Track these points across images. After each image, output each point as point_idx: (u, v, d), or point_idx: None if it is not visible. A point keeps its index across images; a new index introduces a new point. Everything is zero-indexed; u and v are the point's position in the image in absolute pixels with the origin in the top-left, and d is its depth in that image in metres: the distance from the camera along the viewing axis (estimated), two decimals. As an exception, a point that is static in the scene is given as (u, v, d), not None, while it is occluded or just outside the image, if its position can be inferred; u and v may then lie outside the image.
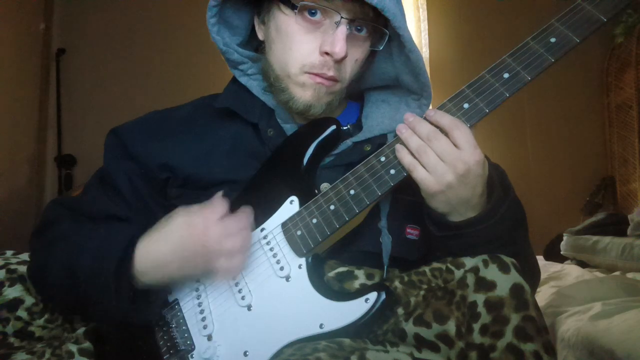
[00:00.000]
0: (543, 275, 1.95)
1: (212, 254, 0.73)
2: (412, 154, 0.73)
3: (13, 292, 0.94)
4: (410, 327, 0.70)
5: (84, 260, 0.79)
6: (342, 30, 0.80)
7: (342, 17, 0.80)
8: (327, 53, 0.81)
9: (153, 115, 0.99)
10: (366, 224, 0.84)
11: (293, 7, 0.82)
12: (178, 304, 0.82)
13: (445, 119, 0.73)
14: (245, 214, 0.76)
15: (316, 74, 0.83)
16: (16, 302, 0.93)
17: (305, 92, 0.85)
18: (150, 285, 0.78)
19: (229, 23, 0.93)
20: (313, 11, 0.82)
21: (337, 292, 0.76)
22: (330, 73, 0.83)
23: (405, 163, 0.74)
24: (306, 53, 0.83)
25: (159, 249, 0.76)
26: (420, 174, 0.72)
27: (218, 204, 0.75)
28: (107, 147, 0.95)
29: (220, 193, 0.78)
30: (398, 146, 0.75)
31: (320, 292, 0.74)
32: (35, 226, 0.94)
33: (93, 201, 0.92)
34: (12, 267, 0.97)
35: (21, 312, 0.92)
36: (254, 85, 0.94)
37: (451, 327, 0.67)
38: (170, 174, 0.90)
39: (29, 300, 0.93)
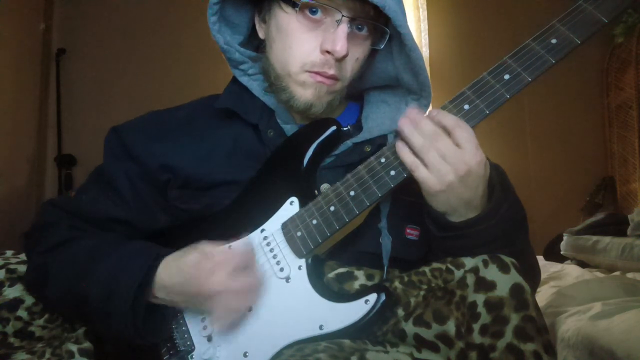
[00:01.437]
0: (543, 275, 1.95)
1: (213, 302, 0.73)
2: (414, 153, 0.73)
3: (13, 292, 0.94)
4: (410, 328, 0.70)
5: (94, 280, 0.78)
6: (343, 28, 0.80)
7: (343, 16, 0.80)
8: (328, 51, 0.81)
9: (153, 115, 0.98)
10: (366, 225, 0.84)
11: (294, 5, 0.82)
12: (178, 304, 0.82)
13: (448, 119, 0.72)
14: (257, 274, 0.75)
15: (317, 73, 0.83)
16: (16, 302, 0.93)
17: (305, 91, 0.85)
18: (161, 307, 0.79)
19: (229, 22, 0.93)
20: (314, 9, 0.82)
21: (337, 293, 0.76)
22: (331, 72, 0.83)
23: (407, 162, 0.73)
24: (307, 51, 0.83)
25: (170, 281, 0.76)
26: (422, 173, 0.72)
27: (240, 251, 0.75)
28: (107, 147, 0.94)
29: (246, 240, 0.77)
30: (399, 144, 0.75)
31: (320, 293, 0.74)
32: (30, 228, 0.92)
33: (93, 203, 0.91)
34: (12, 267, 0.96)
35: (21, 312, 0.92)
36: (255, 85, 0.94)
37: (451, 327, 0.67)
38: (171, 175, 0.90)
39: (29, 300, 0.93)
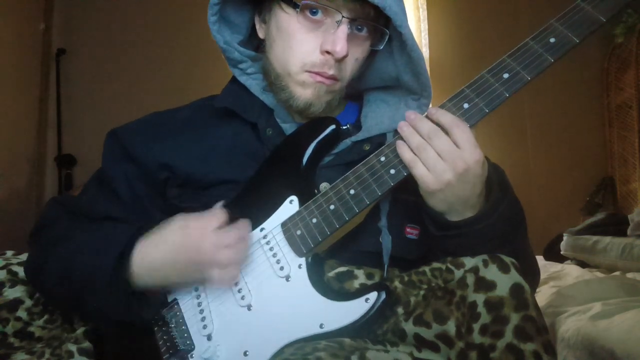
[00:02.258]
0: (543, 275, 1.95)
1: (205, 263, 0.74)
2: (413, 151, 0.73)
3: (13, 292, 0.94)
4: (410, 327, 0.70)
5: (81, 258, 0.79)
6: (343, 29, 0.81)
7: (343, 17, 0.81)
8: (328, 52, 0.81)
9: (153, 116, 0.99)
10: (366, 224, 0.84)
11: (294, 6, 0.83)
12: (177, 303, 0.82)
13: (446, 118, 0.73)
14: (244, 225, 0.76)
15: (317, 73, 0.83)
16: (16, 303, 0.93)
17: (305, 91, 0.85)
18: (146, 288, 0.78)
19: (229, 21, 0.93)
20: (314, 10, 0.82)
21: (337, 291, 0.76)
22: (331, 72, 0.83)
23: (405, 160, 0.74)
24: (307, 52, 0.83)
25: (153, 253, 0.76)
26: (419, 171, 0.72)
27: (217, 212, 0.76)
28: (106, 148, 0.95)
29: (220, 203, 0.78)
30: (399, 143, 0.75)
31: (320, 291, 0.74)
32: (34, 224, 0.94)
33: (91, 202, 0.92)
34: (14, 268, 0.97)
35: (21, 313, 0.92)
36: (254, 84, 0.94)
37: (451, 327, 0.67)
38: (170, 174, 0.90)
39: (29, 301, 0.93)
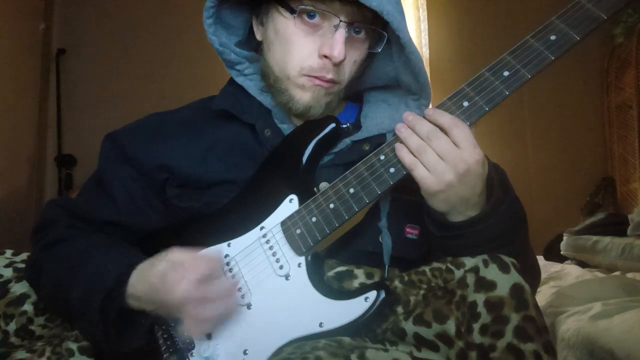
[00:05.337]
0: (543, 275, 1.95)
1: (178, 311, 0.72)
2: (413, 153, 0.73)
3: (20, 288, 0.95)
4: (410, 327, 0.70)
5: (75, 283, 0.79)
6: (341, 33, 0.80)
7: (340, 21, 0.80)
8: (326, 56, 0.81)
9: (152, 117, 0.99)
10: (366, 223, 0.84)
11: (292, 11, 0.82)
12: (177, 303, 0.82)
13: (444, 118, 0.72)
14: (231, 282, 0.75)
15: (315, 77, 0.83)
16: (23, 297, 0.94)
17: (304, 94, 0.85)
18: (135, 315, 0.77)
19: (226, 23, 0.93)
20: (312, 14, 0.82)
21: (337, 290, 0.76)
22: (329, 76, 0.83)
23: (405, 162, 0.73)
24: (305, 56, 0.83)
25: (139, 290, 0.75)
26: (420, 173, 0.72)
27: (211, 259, 0.75)
28: (102, 152, 0.95)
29: (215, 248, 0.77)
30: (398, 145, 0.75)
31: (319, 290, 0.74)
32: (33, 227, 0.94)
33: (88, 206, 0.92)
34: (19, 266, 0.97)
35: (27, 306, 0.93)
36: (251, 85, 0.93)
37: (451, 326, 0.67)
38: (169, 175, 0.90)
39: (35, 296, 0.94)
